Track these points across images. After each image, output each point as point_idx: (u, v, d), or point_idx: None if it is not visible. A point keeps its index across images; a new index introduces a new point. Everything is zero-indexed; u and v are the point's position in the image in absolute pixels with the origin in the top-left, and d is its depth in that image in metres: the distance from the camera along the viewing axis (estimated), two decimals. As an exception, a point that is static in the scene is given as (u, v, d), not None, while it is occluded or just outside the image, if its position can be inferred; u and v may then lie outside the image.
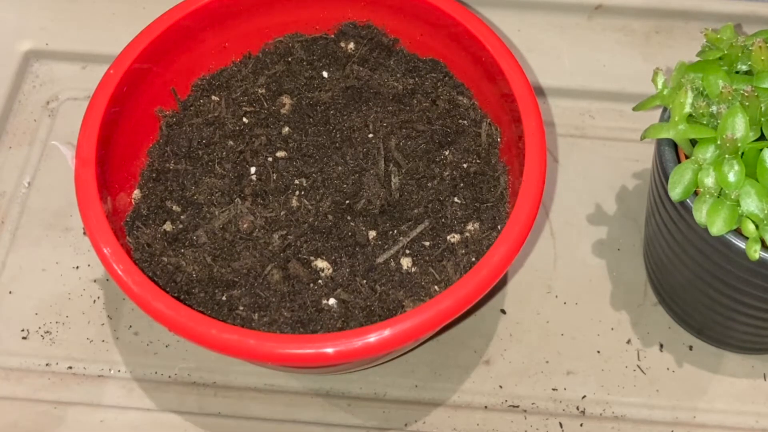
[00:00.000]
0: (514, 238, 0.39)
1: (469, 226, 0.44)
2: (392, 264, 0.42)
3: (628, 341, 0.47)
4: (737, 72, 0.40)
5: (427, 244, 0.43)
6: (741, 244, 0.37)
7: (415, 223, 0.44)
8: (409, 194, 0.44)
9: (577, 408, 0.45)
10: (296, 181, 0.45)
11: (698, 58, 0.41)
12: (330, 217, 0.44)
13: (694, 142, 0.39)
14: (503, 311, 0.48)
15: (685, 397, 0.45)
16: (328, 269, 0.42)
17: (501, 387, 0.46)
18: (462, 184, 0.45)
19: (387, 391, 0.45)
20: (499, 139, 0.46)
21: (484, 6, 0.57)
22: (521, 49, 0.56)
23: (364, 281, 0.42)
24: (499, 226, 0.43)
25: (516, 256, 0.39)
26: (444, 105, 0.47)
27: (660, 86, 0.40)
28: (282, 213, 0.44)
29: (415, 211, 0.44)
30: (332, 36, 0.50)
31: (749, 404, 0.45)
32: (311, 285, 0.42)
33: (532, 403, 0.45)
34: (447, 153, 0.46)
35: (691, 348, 0.47)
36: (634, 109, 0.42)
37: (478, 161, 0.45)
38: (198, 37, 0.48)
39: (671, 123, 0.38)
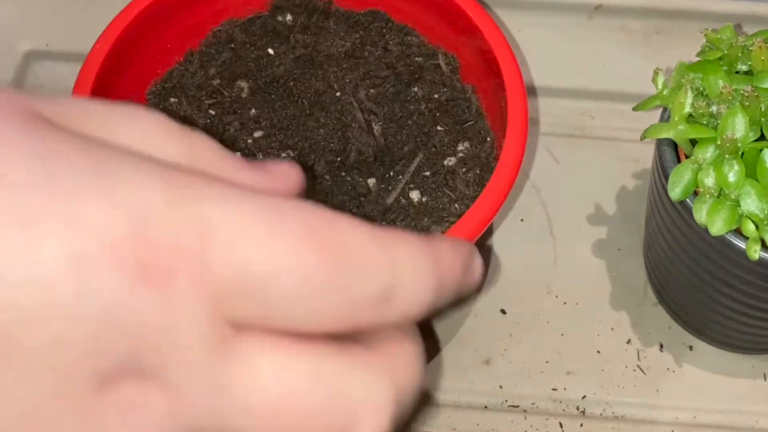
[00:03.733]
0: (519, 132, 0.42)
1: (460, 147, 0.45)
2: (403, 201, 0.44)
3: (628, 341, 0.47)
4: (737, 72, 0.40)
5: (427, 174, 0.44)
6: (741, 244, 0.37)
7: (408, 160, 0.45)
8: (393, 136, 0.46)
9: (577, 408, 0.45)
10: (283, 154, 0.45)
11: (698, 58, 0.41)
12: (327, 177, 0.44)
13: (694, 142, 0.39)
14: (503, 311, 0.48)
15: (685, 397, 0.45)
16: None
17: (501, 387, 0.46)
18: (439, 113, 0.47)
19: (387, 391, 0.45)
20: (458, 65, 0.48)
21: (485, 6, 0.57)
22: (521, 49, 0.56)
23: (383, 223, 0.43)
24: (488, 138, 0.46)
25: (525, 149, 0.42)
26: (396, 49, 0.49)
27: (660, 86, 0.40)
28: None
29: (405, 149, 0.45)
30: (267, 13, 0.50)
31: (749, 404, 0.45)
32: None
33: (532, 403, 0.45)
34: (415, 89, 0.47)
35: (691, 348, 0.47)
36: (634, 109, 0.42)
37: (445, 89, 0.47)
38: (139, 47, 0.47)
39: (671, 123, 0.38)
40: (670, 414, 0.45)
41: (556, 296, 0.48)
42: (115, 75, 0.46)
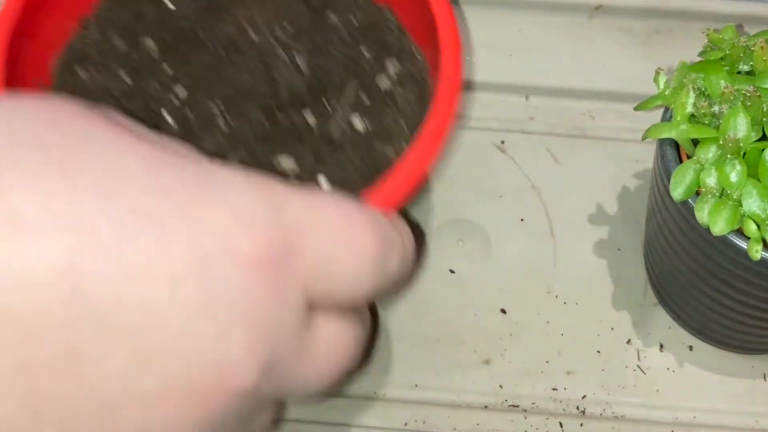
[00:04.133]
0: (453, 41, 0.41)
1: (390, 68, 0.44)
2: (347, 131, 0.42)
3: (628, 341, 0.47)
4: (739, 72, 0.40)
5: (365, 99, 0.43)
6: (743, 245, 0.37)
7: (341, 89, 0.44)
8: (320, 68, 0.44)
9: (577, 408, 0.45)
10: (212, 106, 0.43)
11: (699, 58, 0.41)
12: (264, 120, 0.43)
13: (696, 142, 0.39)
14: (503, 311, 0.48)
15: (685, 397, 0.45)
16: (293, 163, 0.42)
17: (501, 387, 0.45)
18: (360, 37, 0.45)
19: (387, 391, 0.45)
20: None
21: (484, 6, 0.57)
22: (521, 49, 0.56)
23: (335, 155, 0.41)
24: (417, 55, 0.44)
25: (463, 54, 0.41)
26: None
27: (662, 86, 0.40)
28: (220, 138, 0.42)
29: (336, 79, 0.44)
30: None
31: (749, 404, 0.45)
32: (291, 181, 0.41)
33: (532, 403, 0.45)
34: (331, 16, 0.46)
35: (691, 348, 0.47)
36: (635, 108, 0.42)
37: (360, 12, 0.46)
38: (35, 22, 0.44)
39: (673, 123, 0.38)
40: (670, 414, 0.45)
41: (556, 296, 0.48)
42: (19, 53, 0.43)
